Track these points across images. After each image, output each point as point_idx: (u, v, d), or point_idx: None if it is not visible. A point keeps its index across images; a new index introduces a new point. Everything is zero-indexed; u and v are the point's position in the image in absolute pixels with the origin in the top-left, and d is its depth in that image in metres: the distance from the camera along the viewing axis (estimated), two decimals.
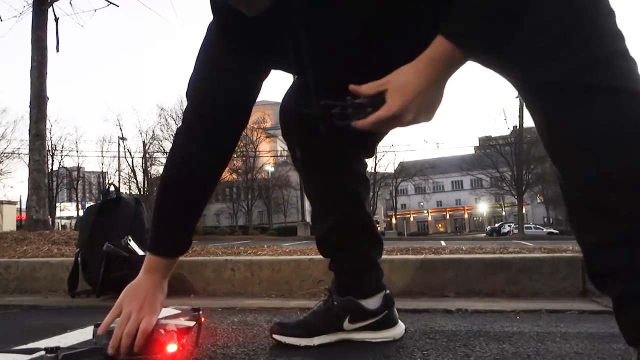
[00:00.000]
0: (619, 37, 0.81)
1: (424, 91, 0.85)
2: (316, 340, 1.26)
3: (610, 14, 0.82)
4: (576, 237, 0.86)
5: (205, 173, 1.20)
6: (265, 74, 1.16)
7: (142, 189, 33.81)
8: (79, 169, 37.37)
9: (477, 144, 45.79)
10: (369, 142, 1.32)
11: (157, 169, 35.40)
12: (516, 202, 31.23)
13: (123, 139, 34.37)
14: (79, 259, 2.40)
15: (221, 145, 1.20)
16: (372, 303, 1.30)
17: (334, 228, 1.31)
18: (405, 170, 41.07)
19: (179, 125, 1.22)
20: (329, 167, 1.29)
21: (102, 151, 46.37)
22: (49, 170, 27.80)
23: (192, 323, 1.20)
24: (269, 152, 42.74)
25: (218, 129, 1.15)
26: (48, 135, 17.23)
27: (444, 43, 0.83)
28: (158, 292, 1.18)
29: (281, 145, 47.23)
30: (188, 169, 1.17)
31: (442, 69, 0.85)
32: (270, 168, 40.33)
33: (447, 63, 0.85)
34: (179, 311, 1.25)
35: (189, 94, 1.16)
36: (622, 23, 0.83)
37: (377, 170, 36.08)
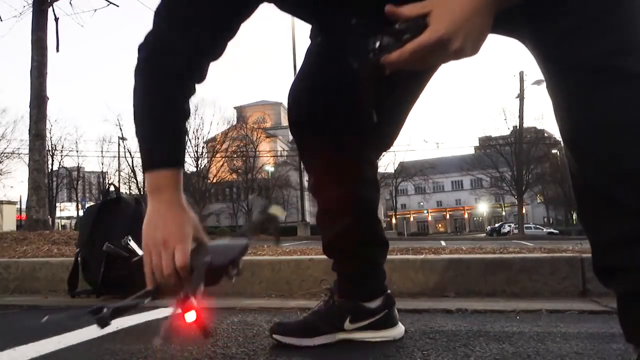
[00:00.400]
0: None
1: (474, 15, 0.74)
2: (317, 341, 1.26)
3: None
4: (585, 229, 0.83)
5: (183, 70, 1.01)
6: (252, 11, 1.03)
7: (142, 189, 33.81)
8: (79, 169, 37.38)
9: (477, 144, 45.79)
10: (386, 132, 1.28)
11: None
12: (516, 202, 31.24)
13: (123, 139, 34.37)
14: (79, 259, 2.40)
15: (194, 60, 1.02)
16: (373, 303, 1.30)
17: (342, 234, 1.28)
18: (405, 170, 41.09)
19: None
20: (341, 170, 1.25)
21: (102, 151, 46.30)
22: (49, 170, 27.82)
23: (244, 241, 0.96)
24: (269, 152, 42.74)
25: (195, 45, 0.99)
26: (48, 135, 17.25)
27: None
28: (178, 210, 0.97)
29: (281, 145, 47.26)
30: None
31: None
32: (270, 168, 40.33)
33: None
34: None
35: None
36: None
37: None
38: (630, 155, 0.74)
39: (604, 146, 0.76)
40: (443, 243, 9.18)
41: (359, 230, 1.29)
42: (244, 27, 1.04)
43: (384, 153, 1.51)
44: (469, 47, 0.76)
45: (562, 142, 0.84)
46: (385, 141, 1.32)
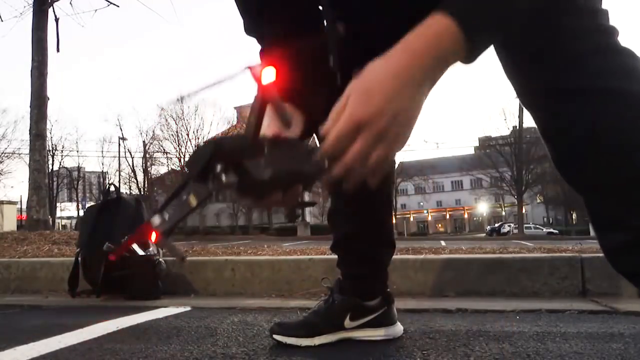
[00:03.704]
0: (598, 32, 0.75)
1: (398, 96, 0.62)
2: (317, 341, 1.26)
3: (592, 12, 0.76)
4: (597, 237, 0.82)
5: None
6: None
7: (142, 189, 33.79)
8: (79, 169, 37.38)
9: (477, 144, 45.76)
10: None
11: (157, 169, 35.44)
12: (516, 202, 31.24)
13: (123, 139, 34.37)
14: (79, 259, 2.40)
15: None
16: (373, 301, 1.30)
17: (357, 235, 1.28)
18: (405, 170, 41.05)
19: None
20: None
21: (102, 151, 46.47)
22: (50, 170, 27.82)
23: None
24: None
25: None
26: (48, 135, 17.26)
27: (439, 21, 0.61)
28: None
29: None
30: None
31: (429, 63, 0.62)
32: None
33: (441, 53, 0.62)
34: None
35: None
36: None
37: None
38: (614, 168, 0.73)
39: (570, 165, 0.77)
40: (443, 243, 9.17)
41: (375, 232, 1.30)
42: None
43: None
44: (396, 130, 0.63)
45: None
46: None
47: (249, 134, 0.64)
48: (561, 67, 0.74)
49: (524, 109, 0.85)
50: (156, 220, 0.67)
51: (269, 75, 0.62)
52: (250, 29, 1.04)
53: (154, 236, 0.67)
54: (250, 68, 0.63)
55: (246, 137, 0.64)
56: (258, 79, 0.62)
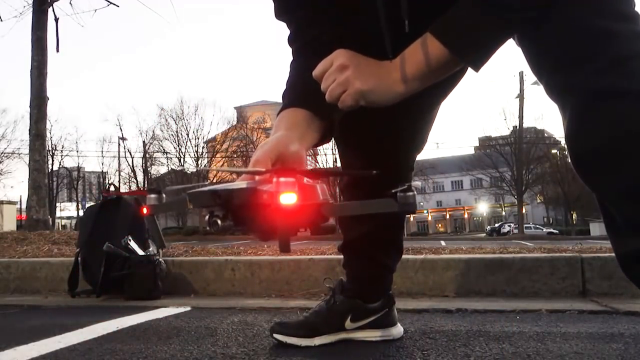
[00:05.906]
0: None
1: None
2: (317, 341, 1.26)
3: (628, 18, 0.76)
4: (610, 239, 0.81)
5: None
6: None
7: (142, 189, 33.74)
8: (79, 169, 37.35)
9: (477, 144, 45.75)
10: (425, 133, 1.28)
11: (157, 169, 35.43)
12: (516, 202, 31.24)
13: (123, 139, 34.36)
14: (79, 259, 2.40)
15: None
16: (375, 303, 1.30)
17: (368, 237, 1.27)
18: None
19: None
20: (387, 175, 1.22)
21: (102, 151, 46.37)
22: (49, 170, 27.79)
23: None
24: None
25: None
26: (48, 135, 17.26)
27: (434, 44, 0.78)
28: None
29: None
30: None
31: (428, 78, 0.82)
32: None
33: (440, 73, 0.81)
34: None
35: None
36: None
37: None
38: (623, 173, 0.72)
39: (597, 169, 0.75)
40: (443, 243, 9.17)
41: (386, 237, 1.29)
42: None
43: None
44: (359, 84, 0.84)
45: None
46: (423, 143, 1.30)
47: (253, 201, 0.64)
48: (601, 69, 0.73)
49: (555, 105, 0.82)
50: (152, 199, 0.74)
51: (289, 199, 0.62)
52: (280, 13, 1.03)
53: (145, 210, 0.75)
54: (277, 178, 0.63)
55: (248, 193, 0.64)
56: (276, 195, 0.62)
